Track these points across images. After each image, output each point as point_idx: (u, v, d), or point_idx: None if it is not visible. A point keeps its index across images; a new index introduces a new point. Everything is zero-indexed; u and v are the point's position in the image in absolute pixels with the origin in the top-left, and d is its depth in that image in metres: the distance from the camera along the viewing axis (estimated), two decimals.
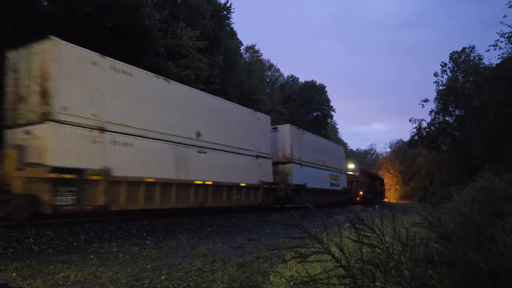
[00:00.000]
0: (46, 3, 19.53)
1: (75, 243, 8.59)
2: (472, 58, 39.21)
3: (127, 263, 6.19)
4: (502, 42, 22.22)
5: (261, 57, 53.36)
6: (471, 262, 2.72)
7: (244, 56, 44.29)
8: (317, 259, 3.18)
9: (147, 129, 13.05)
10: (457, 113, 36.26)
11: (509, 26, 21.55)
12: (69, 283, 4.83)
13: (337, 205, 27.87)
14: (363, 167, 50.64)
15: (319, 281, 2.73)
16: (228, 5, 34.19)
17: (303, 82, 63.90)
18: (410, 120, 39.16)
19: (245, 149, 18.50)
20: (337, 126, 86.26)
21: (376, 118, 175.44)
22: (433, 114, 38.75)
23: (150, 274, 5.21)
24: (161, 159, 13.50)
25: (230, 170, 17.06)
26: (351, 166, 39.40)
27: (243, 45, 45.13)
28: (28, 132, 10.51)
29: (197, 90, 17.74)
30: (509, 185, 7.65)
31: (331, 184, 29.42)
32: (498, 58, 24.25)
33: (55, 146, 10.21)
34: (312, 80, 62.74)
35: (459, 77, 38.30)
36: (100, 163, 11.23)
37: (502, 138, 22.39)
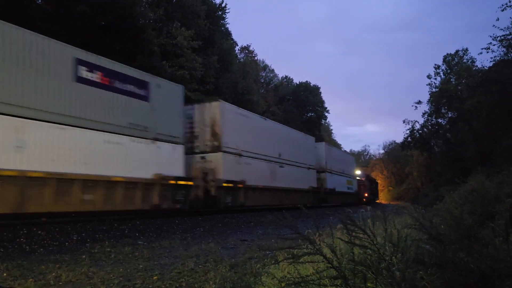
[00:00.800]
0: (40, 1, 19.40)
1: (67, 243, 8.53)
2: (465, 60, 39.54)
3: (119, 263, 6.17)
4: (494, 45, 22.37)
5: (256, 58, 53.34)
6: (462, 264, 2.74)
7: (238, 56, 44.25)
8: (309, 260, 3.19)
9: (256, 152, 19.68)
10: (449, 115, 36.53)
11: (501, 29, 21.73)
12: (61, 283, 4.80)
13: (352, 205, 32.00)
14: (363, 168, 53.70)
15: (311, 282, 2.74)
16: (223, 5, 34.18)
17: (297, 83, 64.00)
18: (404, 121, 39.43)
19: (302, 163, 25.20)
20: (331, 127, 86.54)
21: (369, 120, 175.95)
22: (426, 116, 39.04)
23: (142, 274, 5.20)
24: (263, 172, 20.31)
25: (295, 179, 23.94)
26: (358, 172, 44.87)
27: (237, 45, 45.09)
28: (203, 158, 16.96)
29: (278, 123, 25.61)
30: (500, 187, 7.72)
31: (348, 188, 36.20)
32: (491, 61, 24.45)
33: (223, 166, 16.77)
34: (306, 81, 62.86)
35: (452, 80, 38.58)
36: (240, 177, 17.97)
37: (494, 140, 22.57)
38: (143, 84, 13.42)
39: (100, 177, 11.38)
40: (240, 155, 18.15)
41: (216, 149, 16.79)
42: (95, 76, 11.69)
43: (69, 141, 10.83)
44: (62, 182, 10.59)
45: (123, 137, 12.35)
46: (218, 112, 17.00)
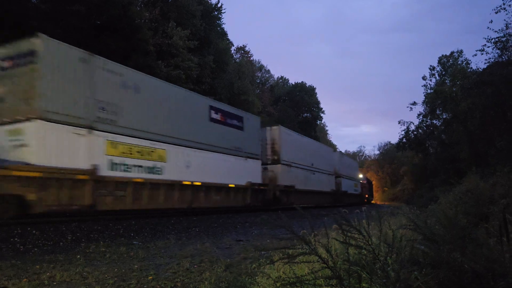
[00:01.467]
0: (36, 0, 19.28)
1: (61, 243, 8.49)
2: (460, 62, 39.80)
3: (114, 263, 6.15)
4: (489, 47, 22.39)
5: (252, 58, 53.35)
6: (456, 264, 2.76)
7: (234, 56, 44.25)
8: (304, 260, 3.20)
9: (299, 163, 25.35)
10: (444, 116, 36.71)
11: (496, 31, 21.80)
12: (55, 283, 4.77)
13: (358, 204, 36.70)
14: (358, 169, 57.36)
15: (306, 282, 2.74)
16: (219, 5, 34.16)
17: (293, 83, 64.09)
18: (399, 122, 39.72)
19: (325, 170, 31.16)
20: (326, 128, 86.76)
21: (365, 120, 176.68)
22: (421, 117, 39.26)
23: (137, 274, 5.18)
24: (303, 178, 25.89)
25: (322, 183, 30.03)
26: (360, 176, 50.20)
27: (233, 45, 45.11)
28: (265, 168, 22.01)
29: (309, 138, 32.30)
30: (494, 188, 7.76)
31: (355, 190, 41.92)
32: (485, 63, 24.62)
33: (281, 175, 22.45)
34: (302, 82, 63.05)
35: (446, 81, 38.78)
36: (291, 182, 23.68)
37: (488, 142, 22.68)
38: (240, 118, 19.37)
39: (223, 184, 17.31)
40: (290, 165, 23.84)
41: (276, 161, 22.62)
42: (218, 116, 17.48)
43: (207, 161, 16.30)
44: (207, 188, 16.35)
45: (231, 156, 18.09)
46: (277, 134, 23.00)
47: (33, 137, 10.15)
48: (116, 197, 12.12)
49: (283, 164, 22.75)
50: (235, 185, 18.08)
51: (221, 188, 17.18)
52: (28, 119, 10.16)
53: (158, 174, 13.66)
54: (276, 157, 22.59)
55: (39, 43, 10.42)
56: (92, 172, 11.27)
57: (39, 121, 10.13)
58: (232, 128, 18.38)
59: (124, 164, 12.34)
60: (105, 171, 11.65)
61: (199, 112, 16.31)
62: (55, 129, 10.50)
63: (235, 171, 18.11)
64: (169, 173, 14.07)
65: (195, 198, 15.58)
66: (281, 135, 23.03)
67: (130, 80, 12.81)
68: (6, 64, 10.93)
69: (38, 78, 10.28)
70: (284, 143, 23.15)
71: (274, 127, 23.34)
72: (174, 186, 14.41)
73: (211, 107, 17.08)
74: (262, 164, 21.44)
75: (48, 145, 10.34)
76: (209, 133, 16.69)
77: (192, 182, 15.23)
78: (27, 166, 9.83)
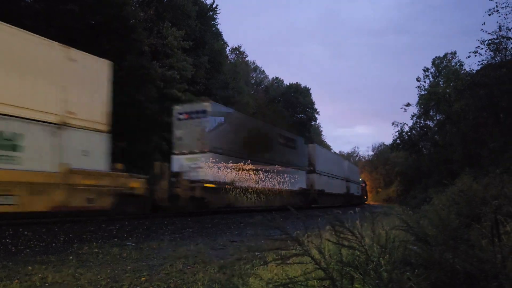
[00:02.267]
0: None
1: (53, 244, 8.41)
2: (453, 64, 40.00)
3: (107, 264, 6.11)
4: (482, 49, 22.54)
5: (246, 59, 53.45)
6: (448, 265, 2.77)
7: (229, 57, 44.26)
8: (297, 261, 3.19)
9: (325, 171, 31.53)
10: (438, 117, 36.89)
11: (489, 33, 21.95)
12: (47, 284, 4.74)
13: (359, 204, 42.65)
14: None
15: (299, 283, 2.74)
16: (214, 6, 34.13)
17: (288, 84, 64.13)
18: (393, 124, 39.80)
19: (339, 176, 37.28)
20: (321, 129, 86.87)
21: (359, 121, 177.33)
22: (414, 118, 39.41)
23: (130, 276, 5.15)
24: (327, 183, 32.64)
25: (338, 187, 36.75)
26: (360, 179, 56.29)
27: (228, 46, 45.11)
28: (307, 178, 27.56)
29: (328, 150, 45.28)
30: (486, 189, 7.80)
31: (357, 192, 48.46)
32: (478, 65, 24.66)
33: (316, 182, 28.97)
34: (297, 83, 63.10)
35: (440, 82, 38.98)
36: (322, 187, 30.24)
37: (481, 143, 22.84)
38: (294, 140, 26.01)
39: (287, 189, 23.18)
40: (320, 174, 30.17)
41: (312, 171, 28.75)
42: (282, 140, 24.18)
43: (277, 172, 22.20)
44: (279, 192, 22.14)
45: (290, 169, 24.00)
46: (313, 149, 30.13)
47: (206, 163, 16.55)
48: (239, 198, 18.53)
49: (317, 173, 29.32)
50: (293, 189, 24.20)
51: (286, 192, 23.10)
52: (202, 152, 16.76)
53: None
54: (312, 168, 28.88)
55: (208, 105, 17.17)
56: (231, 183, 17.79)
57: (209, 153, 16.70)
58: (290, 148, 24.88)
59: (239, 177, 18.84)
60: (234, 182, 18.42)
61: (275, 138, 23.41)
62: (216, 157, 17.00)
63: (292, 180, 23.92)
64: (261, 183, 20.66)
65: (273, 199, 21.60)
66: (316, 151, 30.30)
67: (237, 121, 19.84)
68: (182, 116, 17.53)
69: (207, 127, 16.99)
70: (317, 157, 29.83)
71: (311, 145, 31.12)
72: (264, 190, 20.62)
73: (279, 134, 24.26)
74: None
75: (214, 168, 16.69)
76: (279, 153, 23.34)
77: (267, 188, 21.25)
78: (208, 180, 16.34)
